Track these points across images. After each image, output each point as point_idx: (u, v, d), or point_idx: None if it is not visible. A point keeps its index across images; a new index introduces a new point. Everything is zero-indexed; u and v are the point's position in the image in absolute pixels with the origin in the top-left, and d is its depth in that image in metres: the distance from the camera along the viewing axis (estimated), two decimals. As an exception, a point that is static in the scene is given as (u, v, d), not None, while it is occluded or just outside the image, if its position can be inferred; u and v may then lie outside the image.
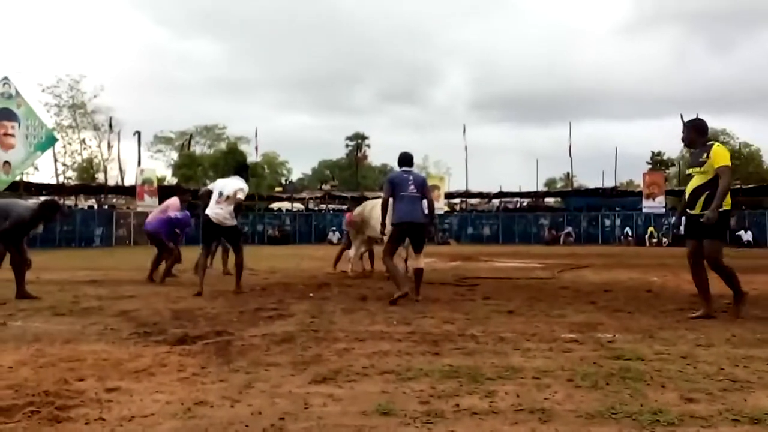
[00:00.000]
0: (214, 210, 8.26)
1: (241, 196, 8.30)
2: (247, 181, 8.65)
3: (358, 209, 11.15)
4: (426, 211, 7.46)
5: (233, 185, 8.36)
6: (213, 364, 4.01)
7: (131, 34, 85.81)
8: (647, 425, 2.79)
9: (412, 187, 7.32)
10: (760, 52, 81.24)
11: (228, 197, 8.26)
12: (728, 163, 5.84)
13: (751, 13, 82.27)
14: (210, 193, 8.52)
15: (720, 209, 5.78)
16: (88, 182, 44.77)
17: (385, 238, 7.72)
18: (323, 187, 61.89)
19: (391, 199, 7.35)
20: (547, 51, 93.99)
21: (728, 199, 5.90)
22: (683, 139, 6.33)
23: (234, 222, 8.40)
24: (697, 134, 6.16)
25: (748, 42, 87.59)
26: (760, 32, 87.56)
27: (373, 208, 10.08)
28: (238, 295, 7.87)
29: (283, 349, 4.47)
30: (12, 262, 7.60)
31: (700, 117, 6.21)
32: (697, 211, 5.95)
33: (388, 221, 7.51)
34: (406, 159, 7.65)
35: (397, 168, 7.68)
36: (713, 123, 55.44)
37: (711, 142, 6.03)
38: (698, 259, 6.09)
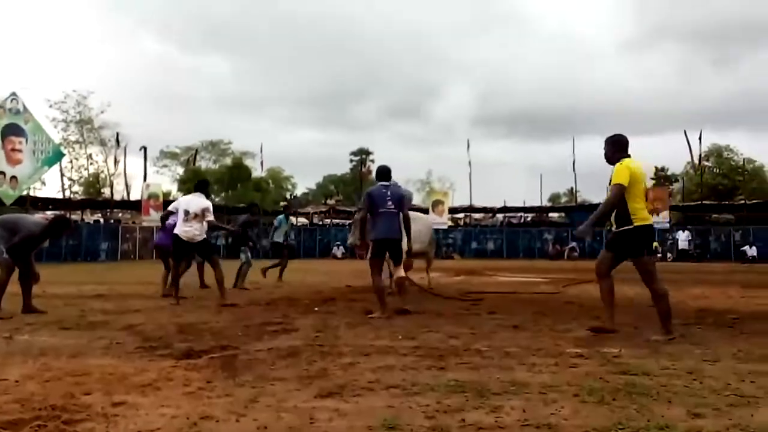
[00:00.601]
0: (183, 228, 8.66)
1: (210, 217, 8.80)
2: (208, 197, 9.05)
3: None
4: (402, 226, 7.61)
5: (197, 204, 8.76)
6: (218, 378, 4.01)
7: (138, 50, 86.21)
8: (654, 440, 2.78)
9: (390, 203, 7.46)
10: (763, 68, 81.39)
11: (196, 215, 8.63)
12: (620, 180, 5.72)
13: (754, 30, 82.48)
14: (169, 213, 9.19)
15: (627, 227, 5.78)
16: (94, 197, 44.93)
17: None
18: (328, 201, 61.96)
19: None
20: (550, 67, 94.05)
21: (643, 215, 5.84)
22: (604, 156, 6.19)
23: (203, 237, 8.76)
24: (614, 150, 6.05)
25: (751, 58, 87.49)
26: (762, 49, 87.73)
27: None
28: (241, 309, 7.88)
29: (288, 364, 4.47)
30: (20, 276, 7.65)
31: (620, 133, 6.17)
32: (611, 226, 6.00)
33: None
34: (383, 173, 7.73)
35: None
36: (718, 139, 55.58)
37: (622, 159, 5.91)
38: (606, 270, 6.10)
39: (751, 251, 32.58)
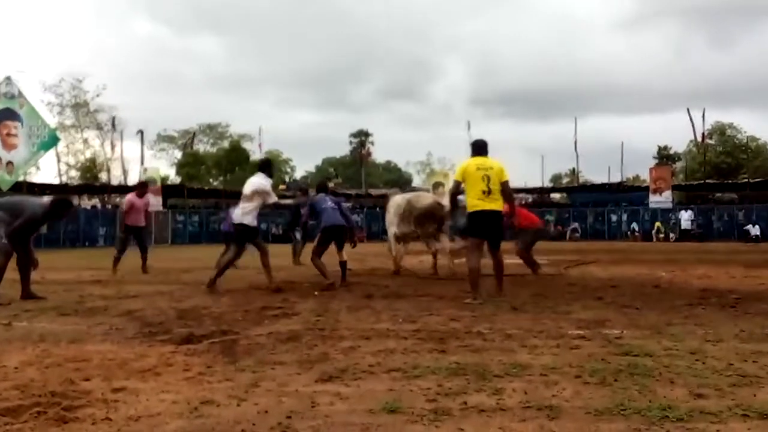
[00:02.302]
0: (236, 209, 8.67)
1: (270, 199, 8.51)
2: (270, 176, 8.76)
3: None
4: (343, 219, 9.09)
5: (250, 184, 8.52)
6: (219, 363, 4.00)
7: (133, 33, 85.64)
8: (656, 421, 2.77)
9: (330, 203, 9.11)
10: (763, 46, 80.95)
11: (244, 196, 8.41)
12: (455, 177, 7.38)
13: (752, 7, 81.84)
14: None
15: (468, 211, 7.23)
16: (91, 182, 44.83)
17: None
18: (327, 184, 61.82)
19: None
20: (549, 46, 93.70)
21: (471, 202, 7.09)
22: None
23: (244, 220, 8.35)
24: (472, 151, 7.38)
25: (750, 36, 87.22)
26: (761, 26, 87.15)
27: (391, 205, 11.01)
28: (241, 293, 7.86)
29: (289, 348, 4.46)
30: (18, 261, 7.60)
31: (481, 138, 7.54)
32: None
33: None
34: (322, 187, 9.86)
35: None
36: (720, 117, 55.39)
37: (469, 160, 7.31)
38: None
39: (755, 230, 32.53)
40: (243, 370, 3.79)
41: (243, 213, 8.34)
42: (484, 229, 7.14)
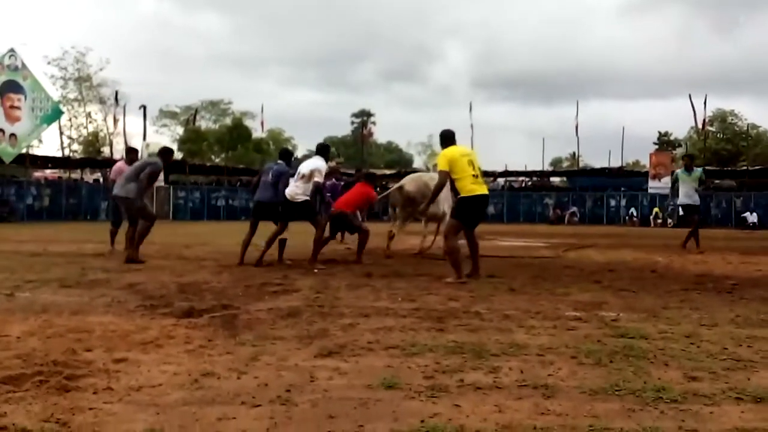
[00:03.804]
0: (290, 187, 8.79)
1: (318, 178, 8.69)
2: (327, 160, 9.07)
3: (410, 183, 10.58)
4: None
5: (307, 165, 8.87)
6: (219, 336, 4.04)
7: (137, 7, 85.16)
8: (650, 402, 2.81)
9: (270, 175, 8.84)
10: (766, 34, 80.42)
11: (303, 176, 8.70)
12: (441, 168, 7.27)
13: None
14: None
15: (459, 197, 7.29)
16: (93, 156, 44.83)
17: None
18: (329, 164, 61.74)
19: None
20: (552, 31, 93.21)
21: (467, 187, 7.09)
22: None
23: (304, 197, 8.64)
24: (445, 142, 7.47)
25: (754, 23, 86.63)
26: (765, 14, 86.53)
27: (426, 184, 9.96)
28: (242, 269, 7.91)
29: (288, 324, 4.50)
30: (131, 223, 9.03)
31: (447, 128, 7.68)
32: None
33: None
34: (282, 153, 9.66)
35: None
36: (722, 104, 55.15)
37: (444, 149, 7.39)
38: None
39: (752, 218, 32.64)
40: (243, 344, 3.84)
41: (298, 191, 8.64)
42: (477, 212, 7.32)
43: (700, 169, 12.43)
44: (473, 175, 7.12)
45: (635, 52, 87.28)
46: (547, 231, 25.47)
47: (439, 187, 7.46)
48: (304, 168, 8.81)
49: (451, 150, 7.32)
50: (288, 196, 8.62)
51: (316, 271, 7.95)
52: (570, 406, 2.76)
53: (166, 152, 9.81)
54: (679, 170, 12.46)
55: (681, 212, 12.04)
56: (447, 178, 7.24)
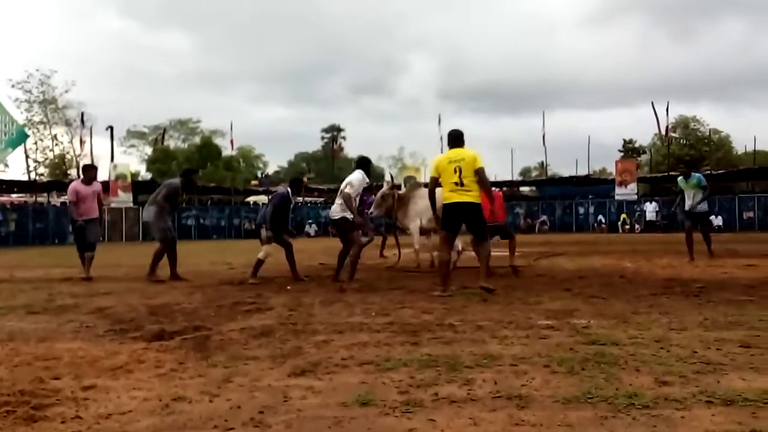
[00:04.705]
0: (333, 206, 8.68)
1: (348, 190, 8.32)
2: (369, 175, 8.67)
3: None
4: None
5: (346, 180, 8.55)
6: (191, 359, 3.99)
7: (102, 28, 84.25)
8: (623, 408, 2.84)
9: (274, 199, 9.19)
10: (723, 40, 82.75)
11: (341, 192, 8.46)
12: (432, 174, 7.36)
13: (713, 3, 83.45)
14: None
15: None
16: (60, 179, 43.98)
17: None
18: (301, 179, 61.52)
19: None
20: (518, 42, 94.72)
21: (444, 195, 7.08)
22: None
23: (341, 215, 8.37)
24: (448, 142, 7.36)
25: (711, 31, 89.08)
26: (721, 21, 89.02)
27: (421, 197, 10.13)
28: (213, 289, 7.82)
29: (261, 343, 4.46)
30: (167, 245, 9.32)
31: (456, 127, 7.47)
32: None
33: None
34: (292, 182, 9.72)
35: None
36: (684, 110, 56.35)
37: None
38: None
39: (717, 221, 33.25)
40: (215, 366, 3.79)
41: (337, 209, 8.46)
42: (456, 221, 7.12)
43: (698, 175, 12.29)
44: (455, 183, 6.96)
45: (598, 62, 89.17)
46: (518, 240, 25.61)
47: (429, 191, 7.42)
48: (342, 184, 8.58)
49: (440, 156, 7.30)
50: (335, 216, 8.50)
51: (289, 288, 7.90)
52: (544, 415, 2.78)
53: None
54: (679, 179, 12.25)
55: (688, 222, 11.87)
56: (434, 184, 7.24)
